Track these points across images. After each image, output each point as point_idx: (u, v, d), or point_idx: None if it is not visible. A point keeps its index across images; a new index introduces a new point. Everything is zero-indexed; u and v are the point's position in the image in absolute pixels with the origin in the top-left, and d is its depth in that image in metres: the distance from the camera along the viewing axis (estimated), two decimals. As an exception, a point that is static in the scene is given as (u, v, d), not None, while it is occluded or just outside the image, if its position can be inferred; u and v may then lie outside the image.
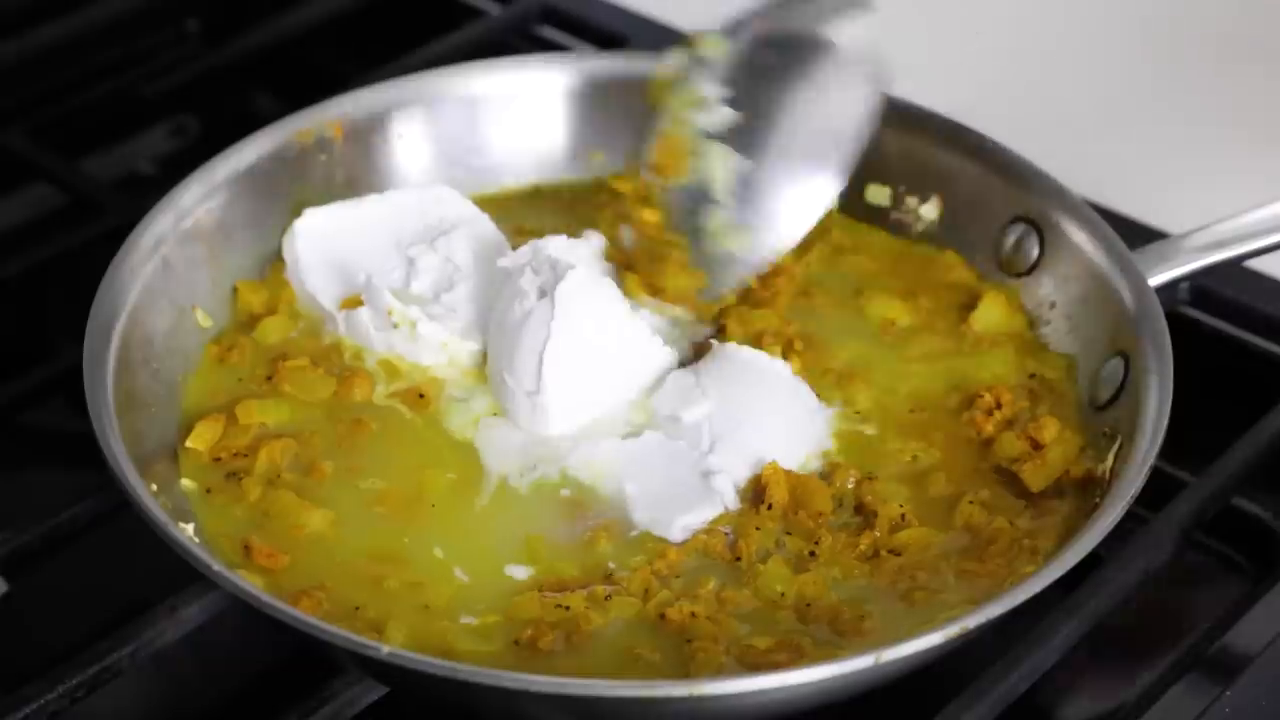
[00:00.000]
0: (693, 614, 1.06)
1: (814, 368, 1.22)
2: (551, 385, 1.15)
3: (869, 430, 1.19)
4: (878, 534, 1.11)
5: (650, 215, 1.25)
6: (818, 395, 1.20)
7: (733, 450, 1.15)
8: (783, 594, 1.08)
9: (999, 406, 1.19)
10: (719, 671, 1.03)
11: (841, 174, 1.25)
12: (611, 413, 1.18)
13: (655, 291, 1.24)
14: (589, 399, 1.17)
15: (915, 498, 1.14)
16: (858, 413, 1.20)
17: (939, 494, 1.15)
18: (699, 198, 1.24)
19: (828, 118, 1.24)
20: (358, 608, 1.07)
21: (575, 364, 1.16)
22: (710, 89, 1.24)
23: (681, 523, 1.12)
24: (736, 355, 1.20)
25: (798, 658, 1.04)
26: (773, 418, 1.18)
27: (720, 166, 1.23)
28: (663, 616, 1.07)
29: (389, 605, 1.08)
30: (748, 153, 1.24)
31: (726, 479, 1.14)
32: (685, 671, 1.03)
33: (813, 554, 1.11)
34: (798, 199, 1.24)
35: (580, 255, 1.20)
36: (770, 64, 1.24)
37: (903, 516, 1.12)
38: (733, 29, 1.25)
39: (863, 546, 1.11)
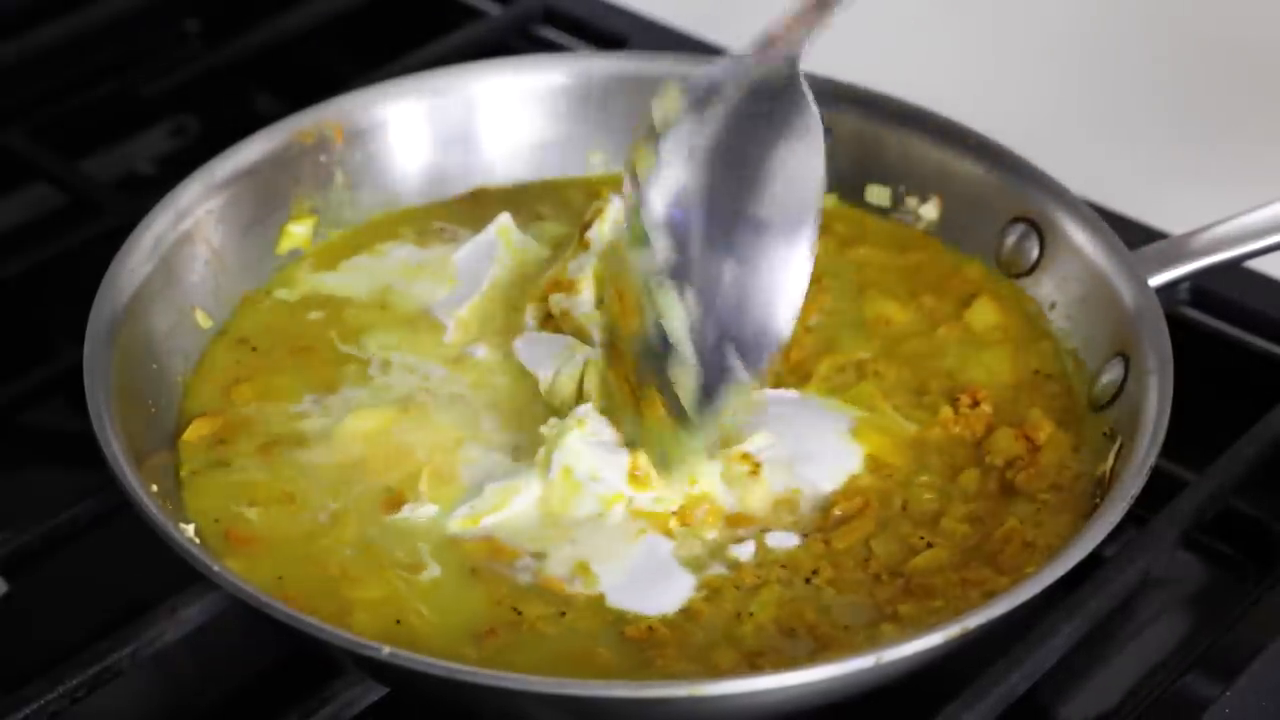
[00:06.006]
0: (650, 629, 1.06)
1: (835, 367, 1.22)
2: None
3: (891, 434, 1.18)
4: (883, 560, 1.10)
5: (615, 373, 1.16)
6: (838, 398, 1.20)
7: (787, 478, 1.15)
8: (753, 614, 1.07)
9: (976, 404, 1.18)
10: (676, 679, 1.02)
11: (814, 241, 1.11)
12: None
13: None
14: None
15: (937, 509, 1.13)
16: (870, 415, 1.19)
17: (956, 494, 1.14)
18: (661, 345, 1.12)
19: (797, 180, 1.11)
20: (339, 602, 1.07)
21: None
22: (656, 204, 1.11)
23: (666, 599, 1.09)
24: (759, 398, 1.18)
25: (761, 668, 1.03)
26: (814, 447, 1.16)
27: (674, 312, 1.11)
28: (621, 633, 1.06)
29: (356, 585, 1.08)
30: (714, 241, 1.11)
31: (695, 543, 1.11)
32: (644, 675, 1.03)
33: (808, 581, 1.10)
34: (782, 278, 1.11)
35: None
36: (742, 126, 1.12)
37: (928, 544, 1.11)
38: (706, 87, 1.12)
39: (872, 570, 1.10)
